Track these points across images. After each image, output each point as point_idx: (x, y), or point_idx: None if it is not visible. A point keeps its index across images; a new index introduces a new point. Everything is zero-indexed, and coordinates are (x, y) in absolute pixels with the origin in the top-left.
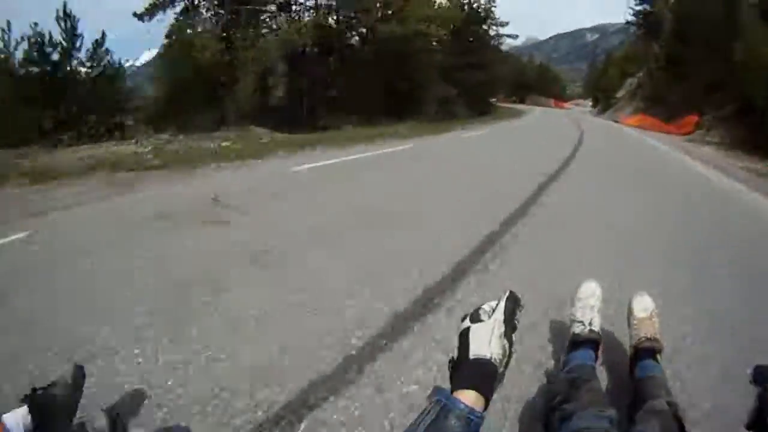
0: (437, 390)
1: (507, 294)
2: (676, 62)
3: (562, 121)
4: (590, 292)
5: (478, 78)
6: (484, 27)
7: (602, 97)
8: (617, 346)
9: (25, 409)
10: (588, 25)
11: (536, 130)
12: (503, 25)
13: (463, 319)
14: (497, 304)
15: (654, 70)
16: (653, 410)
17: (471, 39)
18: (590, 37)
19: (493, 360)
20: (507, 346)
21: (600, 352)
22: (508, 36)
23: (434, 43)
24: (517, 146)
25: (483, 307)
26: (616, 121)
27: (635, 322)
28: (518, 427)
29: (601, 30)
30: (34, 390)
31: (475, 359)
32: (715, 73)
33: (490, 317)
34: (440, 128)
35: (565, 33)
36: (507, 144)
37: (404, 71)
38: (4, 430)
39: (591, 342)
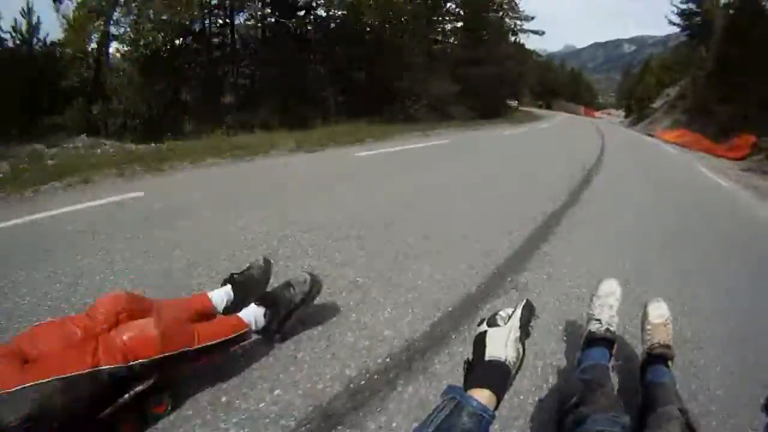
0: (451, 387)
1: (524, 302)
2: (728, 67)
3: (584, 132)
4: (610, 291)
5: (489, 73)
6: (499, 15)
7: (636, 107)
8: (629, 349)
9: (227, 287)
10: (626, 36)
11: (533, 144)
12: (527, 19)
13: (479, 324)
14: (513, 311)
15: (700, 77)
16: (666, 416)
17: (484, 30)
18: (627, 48)
19: (507, 362)
20: (521, 350)
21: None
22: (533, 32)
23: (447, 33)
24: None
25: (500, 313)
26: (651, 135)
27: (649, 327)
28: (530, 425)
29: (638, 42)
30: (233, 274)
31: (490, 360)
32: None
33: (506, 323)
34: (383, 133)
35: (602, 42)
36: (438, 176)
37: (370, 58)
38: (212, 304)
39: (606, 341)
